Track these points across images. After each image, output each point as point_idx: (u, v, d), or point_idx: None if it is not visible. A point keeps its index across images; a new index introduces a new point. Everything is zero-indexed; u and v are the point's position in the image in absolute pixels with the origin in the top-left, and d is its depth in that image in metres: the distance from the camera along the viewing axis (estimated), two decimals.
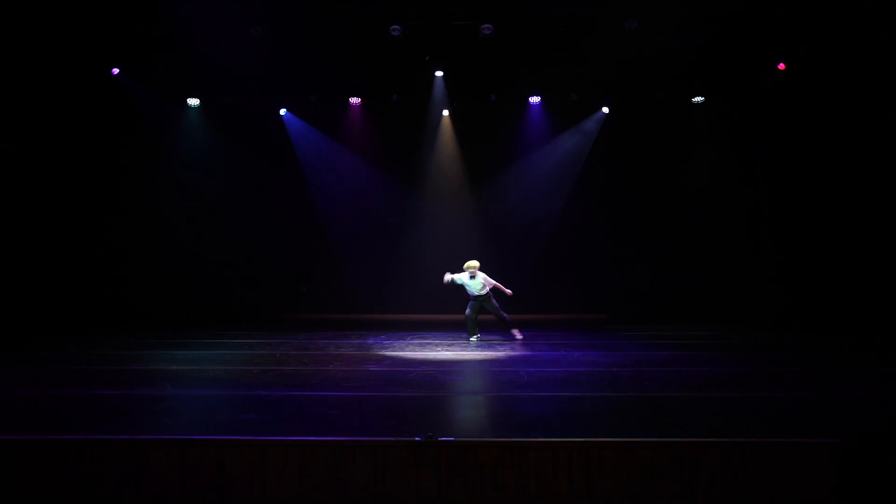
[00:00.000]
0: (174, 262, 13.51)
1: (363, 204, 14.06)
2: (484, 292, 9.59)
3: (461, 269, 9.65)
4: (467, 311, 9.72)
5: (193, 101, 13.42)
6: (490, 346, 9.09)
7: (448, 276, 9.71)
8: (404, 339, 9.88)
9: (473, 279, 9.55)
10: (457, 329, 11.22)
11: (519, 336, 9.73)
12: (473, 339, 9.61)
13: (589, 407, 5.24)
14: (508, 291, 9.65)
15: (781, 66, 11.84)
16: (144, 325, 12.11)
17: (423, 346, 9.08)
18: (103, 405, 5.30)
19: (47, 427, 4.50)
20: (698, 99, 13.32)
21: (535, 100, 13.46)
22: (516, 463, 3.82)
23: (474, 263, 9.61)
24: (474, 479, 3.81)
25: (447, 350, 8.72)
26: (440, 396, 5.68)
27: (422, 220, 14.02)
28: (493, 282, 9.69)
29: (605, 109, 13.59)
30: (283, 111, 13.72)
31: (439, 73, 12.51)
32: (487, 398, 5.96)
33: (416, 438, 3.87)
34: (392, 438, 3.94)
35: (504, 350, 8.72)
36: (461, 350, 8.73)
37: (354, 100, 13.51)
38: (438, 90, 12.88)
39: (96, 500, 3.86)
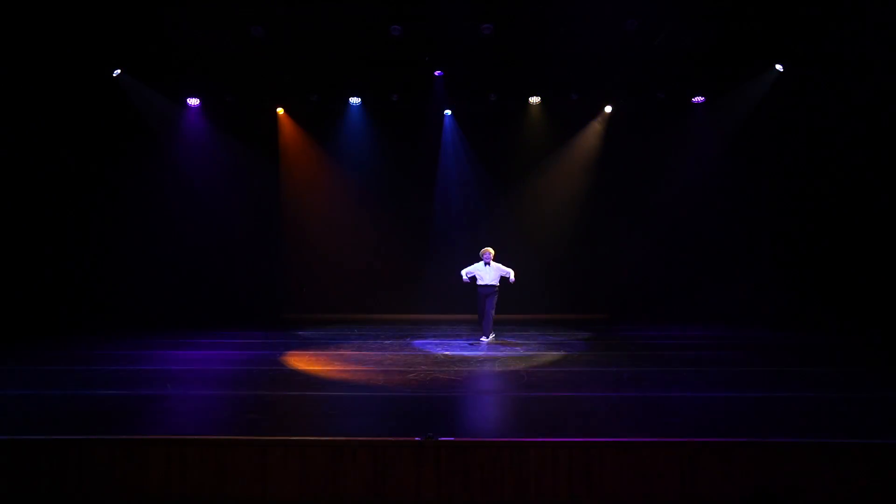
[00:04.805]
0: (174, 262, 13.49)
1: (362, 204, 14.05)
2: (494, 283, 9.40)
3: (476, 260, 9.53)
4: (480, 309, 9.57)
5: (193, 101, 13.42)
6: (491, 347, 9.09)
7: (464, 273, 9.58)
8: (404, 339, 9.88)
9: (488, 266, 9.39)
10: (456, 329, 11.22)
11: (483, 341, 9.47)
12: (486, 338, 9.49)
13: (589, 407, 5.24)
14: (512, 278, 9.39)
15: (779, 66, 11.87)
16: (144, 325, 12.10)
17: (423, 346, 9.08)
18: (103, 405, 5.31)
19: (47, 427, 4.50)
20: (698, 99, 13.32)
21: (535, 100, 13.44)
22: (516, 463, 3.82)
23: (489, 249, 9.46)
24: (474, 479, 3.81)
25: (447, 350, 8.71)
26: (440, 396, 5.68)
27: (421, 220, 14.01)
28: (506, 270, 9.42)
29: (609, 108, 13.60)
30: (280, 110, 13.72)
31: (439, 73, 12.50)
32: (487, 398, 5.96)
33: (416, 438, 3.87)
34: (392, 438, 3.95)
35: (504, 350, 8.72)
36: (461, 350, 8.72)
37: (354, 100, 13.51)
38: (438, 90, 12.87)
39: (96, 500, 3.86)
